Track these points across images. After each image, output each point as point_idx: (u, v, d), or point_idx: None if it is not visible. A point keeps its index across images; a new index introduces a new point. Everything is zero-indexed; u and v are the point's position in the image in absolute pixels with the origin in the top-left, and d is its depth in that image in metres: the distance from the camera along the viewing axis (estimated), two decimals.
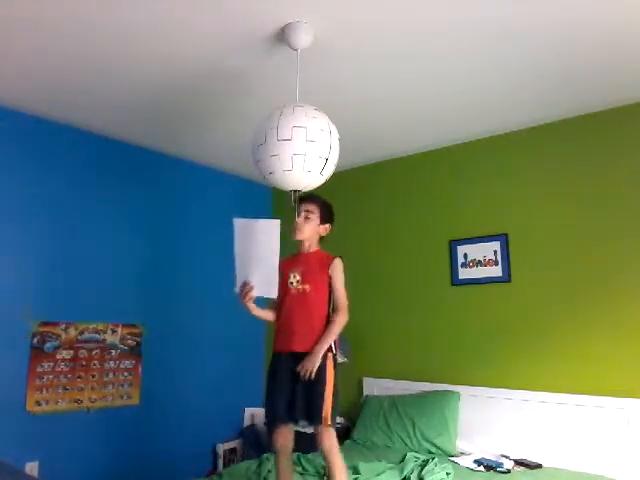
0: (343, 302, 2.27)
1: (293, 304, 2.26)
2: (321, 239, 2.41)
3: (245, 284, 2.18)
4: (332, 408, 2.13)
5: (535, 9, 2.15)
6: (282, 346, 2.28)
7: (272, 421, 2.28)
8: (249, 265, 2.16)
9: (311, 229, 2.35)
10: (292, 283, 2.27)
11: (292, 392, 2.18)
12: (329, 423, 2.12)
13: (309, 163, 2.10)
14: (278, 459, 2.29)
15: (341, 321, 2.24)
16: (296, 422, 2.24)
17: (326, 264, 2.29)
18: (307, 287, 2.25)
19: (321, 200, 2.40)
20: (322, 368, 2.16)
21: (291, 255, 2.38)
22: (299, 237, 2.34)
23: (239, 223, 2.16)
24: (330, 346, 2.22)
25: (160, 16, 2.21)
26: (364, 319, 3.74)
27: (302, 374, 2.12)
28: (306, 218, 2.34)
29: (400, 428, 3.23)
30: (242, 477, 2.63)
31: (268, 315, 2.37)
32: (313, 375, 2.11)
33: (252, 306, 2.25)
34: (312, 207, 2.35)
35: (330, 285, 2.28)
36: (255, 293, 2.19)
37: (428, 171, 3.75)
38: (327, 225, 2.40)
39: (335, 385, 2.19)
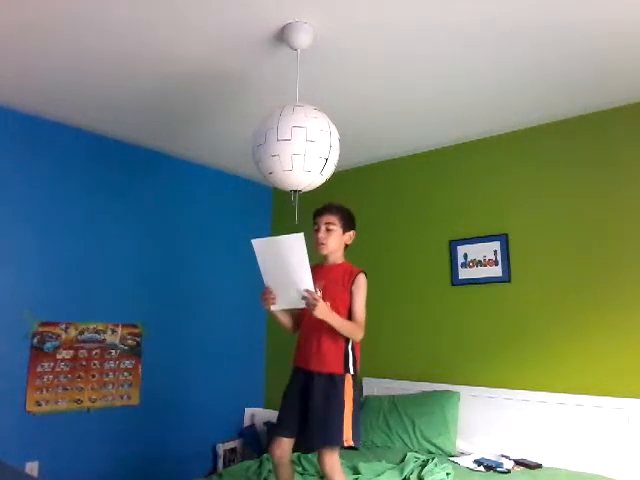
0: (359, 318, 2.16)
1: (312, 321, 2.13)
2: (346, 247, 2.33)
3: (268, 291, 2.11)
4: (353, 430, 2.07)
5: (535, 10, 2.15)
6: (300, 362, 2.25)
7: (275, 430, 2.25)
8: (280, 281, 2.07)
9: (335, 241, 2.25)
10: None
11: (301, 409, 2.15)
12: (351, 444, 2.06)
13: (309, 163, 2.10)
14: (277, 471, 2.24)
15: (356, 328, 2.14)
16: (302, 438, 2.17)
17: (349, 280, 2.20)
18: (327, 304, 2.09)
19: (340, 208, 2.30)
20: (340, 389, 2.11)
21: (316, 265, 2.24)
22: (326, 252, 2.25)
23: (258, 243, 2.05)
24: (348, 366, 2.16)
25: (160, 16, 2.21)
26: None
27: (307, 303, 2.00)
28: (328, 230, 2.24)
29: (400, 428, 3.23)
30: (242, 477, 2.63)
31: (285, 321, 2.30)
32: (313, 312, 1.98)
33: (273, 312, 2.20)
34: (332, 218, 2.25)
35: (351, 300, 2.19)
36: (286, 306, 2.15)
37: (428, 171, 3.75)
38: (351, 232, 2.31)
39: (355, 408, 2.11)
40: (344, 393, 2.11)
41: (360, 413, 2.16)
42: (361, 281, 2.21)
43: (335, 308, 2.13)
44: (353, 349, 2.20)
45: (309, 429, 2.10)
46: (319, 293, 2.08)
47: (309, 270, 1.99)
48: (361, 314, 2.18)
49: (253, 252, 2.10)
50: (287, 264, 2.01)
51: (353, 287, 2.20)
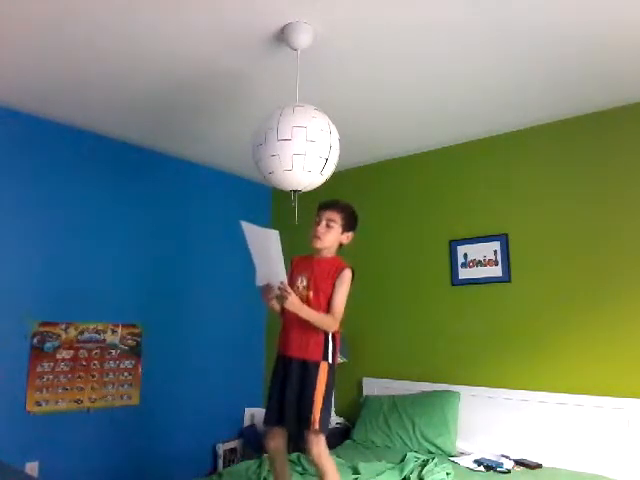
0: (336, 311, 2.16)
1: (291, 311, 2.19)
2: (340, 246, 2.33)
3: (268, 287, 2.13)
4: (322, 415, 2.09)
5: (535, 11, 2.15)
6: (282, 349, 2.27)
7: (266, 422, 2.26)
8: (263, 265, 2.12)
9: (333, 238, 2.24)
10: (298, 287, 2.22)
11: (283, 395, 2.17)
12: (317, 428, 2.07)
13: (309, 163, 2.10)
14: (273, 463, 2.27)
15: (330, 321, 2.15)
16: (285, 425, 2.19)
17: (334, 273, 2.20)
18: (310, 294, 2.18)
19: (345, 207, 2.30)
20: (314, 374, 2.13)
21: (306, 255, 2.30)
22: (319, 246, 2.25)
23: (246, 226, 2.08)
24: (327, 355, 2.17)
25: (160, 16, 2.21)
26: (364, 319, 3.74)
27: (277, 293, 2.07)
28: (327, 226, 2.23)
29: (400, 428, 3.23)
30: (242, 477, 2.63)
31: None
32: (282, 301, 2.08)
33: (275, 306, 2.24)
34: (334, 215, 2.25)
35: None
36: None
37: (428, 171, 3.75)
38: (350, 233, 2.30)
39: (327, 393, 2.13)
40: (317, 378, 2.13)
41: (330, 404, 2.18)
42: (346, 276, 2.20)
43: (316, 298, 2.17)
44: (333, 339, 2.21)
45: (286, 413, 2.14)
46: (304, 283, 2.19)
47: (283, 265, 2.03)
48: (339, 307, 2.17)
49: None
50: (267, 254, 2.05)
51: (337, 280, 2.20)
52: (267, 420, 2.24)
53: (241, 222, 2.08)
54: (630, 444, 2.70)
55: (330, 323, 2.15)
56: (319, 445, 2.08)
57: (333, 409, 3.58)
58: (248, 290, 3.82)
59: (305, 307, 2.11)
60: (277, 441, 2.23)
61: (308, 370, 2.15)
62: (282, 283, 2.05)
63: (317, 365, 2.15)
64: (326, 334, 2.19)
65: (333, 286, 2.20)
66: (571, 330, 3.00)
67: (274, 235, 1.98)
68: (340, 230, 2.27)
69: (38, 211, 3.16)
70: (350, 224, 2.30)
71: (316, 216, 2.29)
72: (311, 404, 2.09)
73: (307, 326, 2.15)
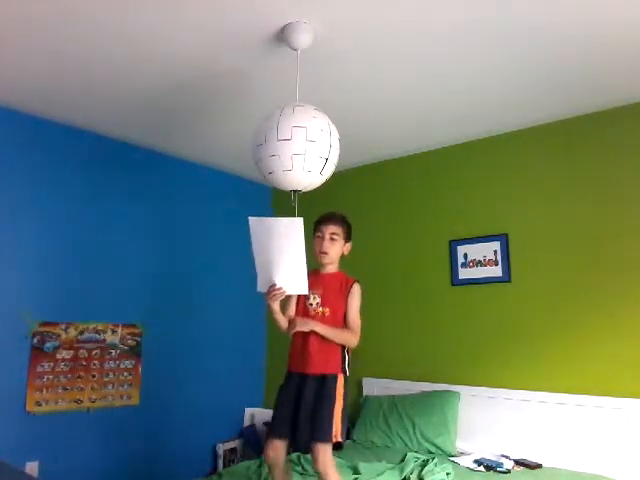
0: (354, 326, 2.25)
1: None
2: (341, 257, 2.37)
3: (274, 286, 2.11)
4: (342, 426, 2.13)
5: (535, 11, 2.15)
6: (297, 368, 2.26)
7: (269, 433, 2.28)
8: (273, 264, 2.08)
9: (338, 251, 2.32)
10: (311, 304, 2.25)
11: (295, 409, 2.17)
12: (339, 440, 2.11)
13: (309, 163, 2.10)
14: (272, 472, 2.27)
15: (350, 336, 2.24)
16: (295, 438, 2.20)
17: (345, 288, 2.28)
18: (327, 310, 2.24)
19: (344, 219, 2.37)
20: (332, 388, 2.16)
21: (312, 271, 2.27)
22: (327, 261, 2.31)
23: (254, 222, 2.06)
24: (344, 367, 2.24)
25: (160, 16, 2.21)
26: (364, 319, 3.72)
27: (296, 327, 2.17)
28: (331, 240, 2.30)
29: (400, 428, 3.23)
30: (242, 477, 2.63)
31: (284, 323, 2.29)
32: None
33: (276, 308, 2.20)
34: (336, 228, 2.31)
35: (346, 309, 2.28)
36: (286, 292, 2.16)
37: (428, 171, 3.75)
38: (349, 244, 2.38)
39: (344, 404, 2.18)
40: (336, 391, 2.17)
41: (346, 413, 2.22)
42: (356, 290, 2.30)
43: (333, 316, 2.23)
44: (348, 351, 2.29)
45: (300, 426, 2.14)
46: (317, 300, 2.23)
47: (304, 256, 2.04)
48: (356, 321, 2.27)
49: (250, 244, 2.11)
50: (283, 247, 2.03)
51: (348, 295, 2.28)
52: (273, 432, 2.24)
53: (249, 218, 2.06)
54: (630, 444, 2.70)
55: (350, 338, 2.25)
56: (325, 455, 2.09)
57: None
58: (248, 290, 3.82)
59: (328, 328, 2.19)
60: (276, 452, 2.21)
61: (326, 383, 2.18)
62: (299, 319, 2.19)
63: (335, 378, 2.20)
64: (343, 347, 2.25)
65: (346, 301, 2.27)
66: (571, 330, 3.00)
67: (297, 223, 1.97)
68: (342, 242, 2.34)
69: (38, 211, 3.16)
70: (349, 235, 2.38)
71: (317, 232, 2.32)
72: (330, 417, 2.11)
73: (325, 341, 2.20)
